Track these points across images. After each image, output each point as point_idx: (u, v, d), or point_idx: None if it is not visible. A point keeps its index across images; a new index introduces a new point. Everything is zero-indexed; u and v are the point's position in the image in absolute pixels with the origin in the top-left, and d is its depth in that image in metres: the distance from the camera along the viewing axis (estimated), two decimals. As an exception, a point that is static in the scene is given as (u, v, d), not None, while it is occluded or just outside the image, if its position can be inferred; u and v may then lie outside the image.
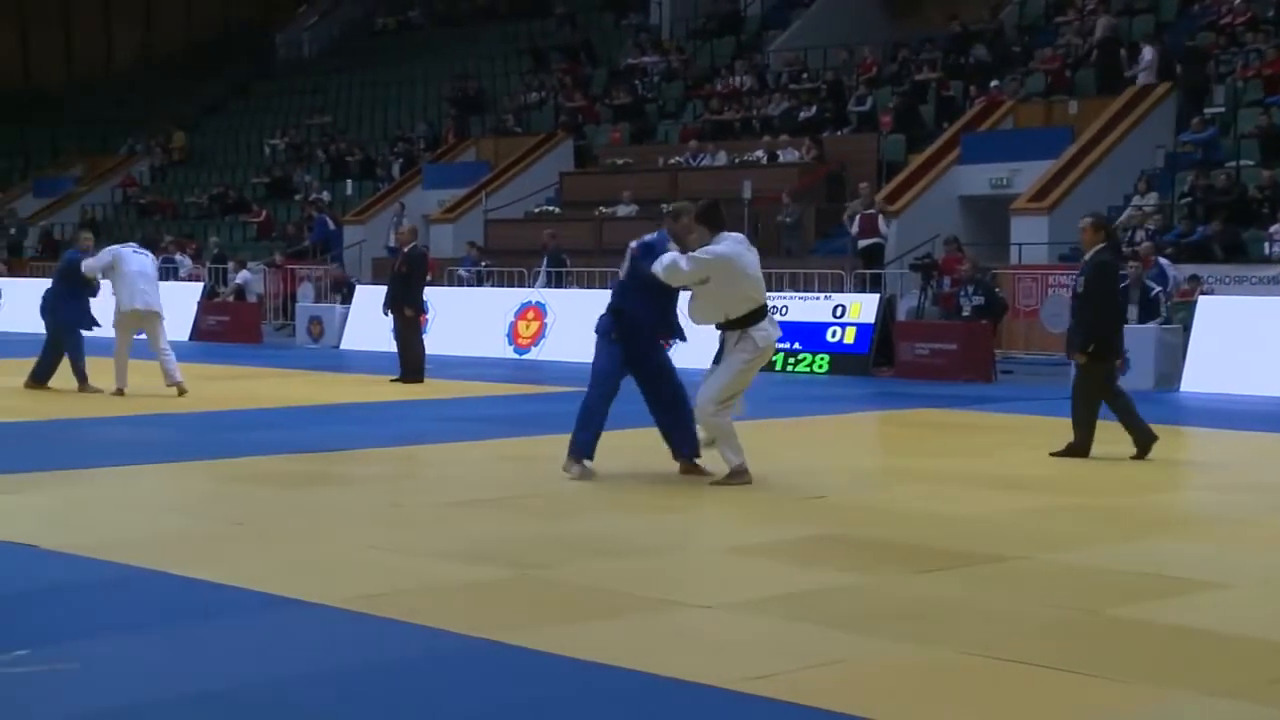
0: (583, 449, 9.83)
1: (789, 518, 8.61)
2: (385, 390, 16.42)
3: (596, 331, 10.01)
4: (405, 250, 17.71)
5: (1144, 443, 11.08)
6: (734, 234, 9.84)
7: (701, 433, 9.78)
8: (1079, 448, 11.15)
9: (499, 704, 5.11)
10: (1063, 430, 13.43)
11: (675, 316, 10.06)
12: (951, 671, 5.48)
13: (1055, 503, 9.19)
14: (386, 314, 17.45)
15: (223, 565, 7.09)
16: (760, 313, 9.56)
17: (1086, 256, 11.30)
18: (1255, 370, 16.19)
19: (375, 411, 14.46)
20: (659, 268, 9.55)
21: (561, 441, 10.00)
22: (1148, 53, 25.80)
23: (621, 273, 10.12)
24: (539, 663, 5.50)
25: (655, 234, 10.05)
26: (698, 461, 9.92)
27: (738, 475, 9.59)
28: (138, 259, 15.41)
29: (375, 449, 11.52)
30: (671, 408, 10.01)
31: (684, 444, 9.98)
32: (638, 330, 9.89)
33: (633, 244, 10.06)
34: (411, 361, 17.06)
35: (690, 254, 9.50)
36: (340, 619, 6.14)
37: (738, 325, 9.54)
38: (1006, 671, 5.45)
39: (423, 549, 7.59)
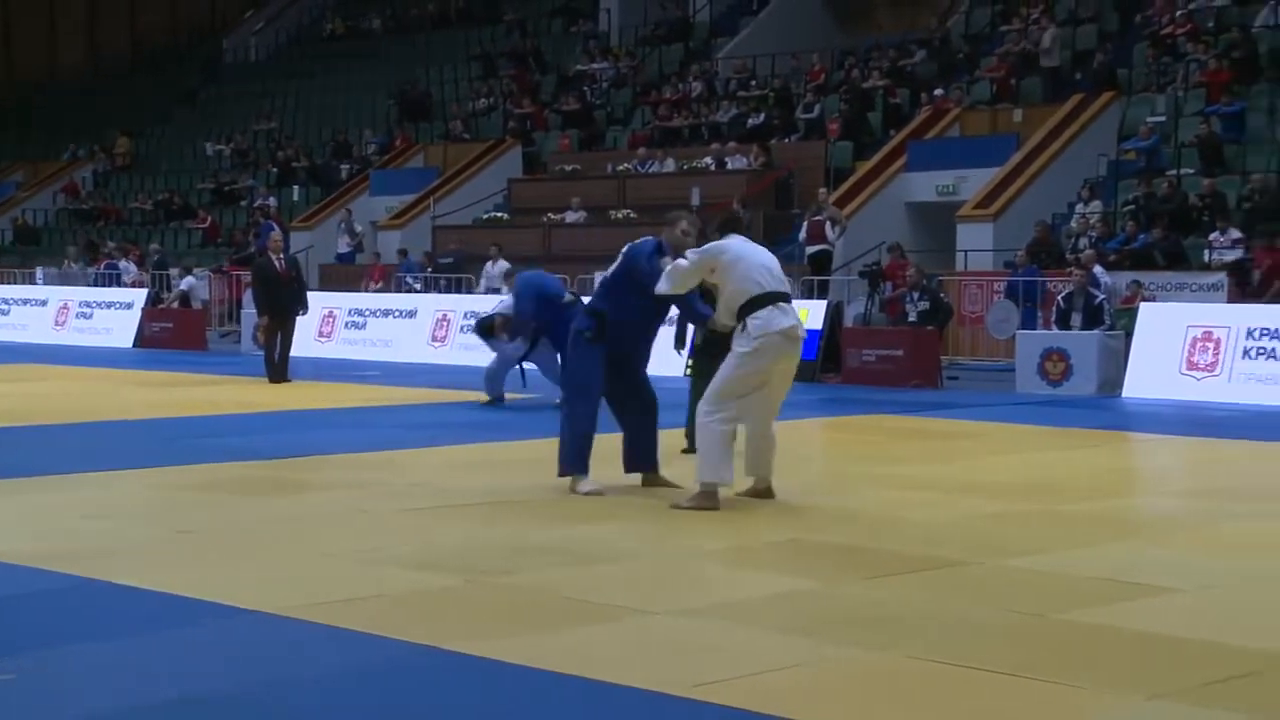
0: (580, 464, 9.48)
1: (743, 524, 8.63)
2: (340, 395, 16.43)
3: (574, 330, 9.55)
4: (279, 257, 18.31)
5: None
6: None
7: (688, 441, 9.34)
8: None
9: (447, 712, 5.10)
10: (1014, 436, 13.60)
11: (655, 328, 9.57)
12: (906, 676, 5.52)
13: (1009, 508, 9.27)
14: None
15: (171, 574, 7.01)
16: (760, 300, 8.77)
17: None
18: (1196, 376, 16.36)
19: (331, 417, 14.40)
20: (664, 283, 9.06)
21: (525, 447, 9.87)
22: (1048, 37, 26.31)
23: (609, 271, 9.61)
24: (491, 670, 5.48)
25: (650, 239, 9.57)
26: (662, 474, 9.72)
27: (704, 497, 8.84)
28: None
29: (335, 455, 11.45)
30: (640, 416, 9.64)
31: (646, 456, 9.72)
32: (620, 332, 9.40)
33: (629, 247, 9.53)
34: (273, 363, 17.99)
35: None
36: (289, 628, 6.09)
37: (739, 317, 8.82)
38: (960, 676, 5.49)
39: (381, 556, 7.55)
